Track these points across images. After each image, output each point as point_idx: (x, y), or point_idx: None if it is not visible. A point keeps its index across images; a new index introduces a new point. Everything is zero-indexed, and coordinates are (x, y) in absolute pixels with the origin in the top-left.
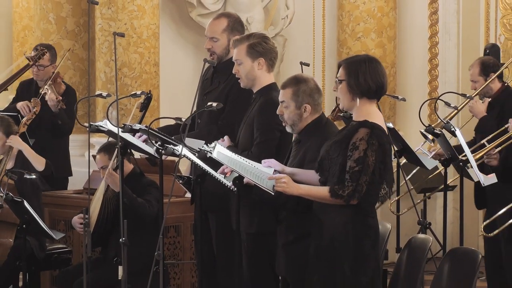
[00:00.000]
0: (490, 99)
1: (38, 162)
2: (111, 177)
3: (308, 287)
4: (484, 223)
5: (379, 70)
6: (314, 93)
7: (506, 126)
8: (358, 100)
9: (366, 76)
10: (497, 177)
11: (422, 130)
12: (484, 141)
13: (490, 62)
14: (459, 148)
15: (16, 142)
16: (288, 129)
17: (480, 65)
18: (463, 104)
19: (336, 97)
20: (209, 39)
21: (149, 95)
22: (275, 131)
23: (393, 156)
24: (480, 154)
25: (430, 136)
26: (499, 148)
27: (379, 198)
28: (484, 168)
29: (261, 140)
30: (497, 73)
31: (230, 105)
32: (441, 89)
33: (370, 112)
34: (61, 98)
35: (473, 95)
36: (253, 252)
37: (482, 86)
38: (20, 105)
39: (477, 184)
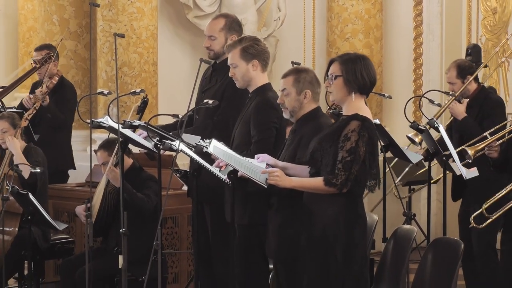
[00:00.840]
0: (468, 99)
1: (25, 170)
2: (112, 173)
3: (300, 277)
4: (473, 215)
5: (372, 67)
6: (314, 82)
7: (507, 121)
8: (353, 94)
9: (363, 72)
10: (497, 168)
11: (409, 135)
12: (486, 133)
13: (466, 65)
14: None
15: (12, 145)
16: (287, 116)
17: (457, 68)
18: (448, 103)
19: (326, 93)
20: (207, 37)
21: (145, 99)
22: (272, 129)
23: (379, 151)
24: (482, 146)
25: (417, 140)
26: (501, 141)
27: (368, 188)
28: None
29: (259, 138)
30: (474, 75)
31: (226, 102)
32: (425, 87)
33: (360, 107)
34: (46, 91)
35: (456, 95)
36: (246, 243)
37: (461, 88)
38: (24, 99)
39: (454, 177)
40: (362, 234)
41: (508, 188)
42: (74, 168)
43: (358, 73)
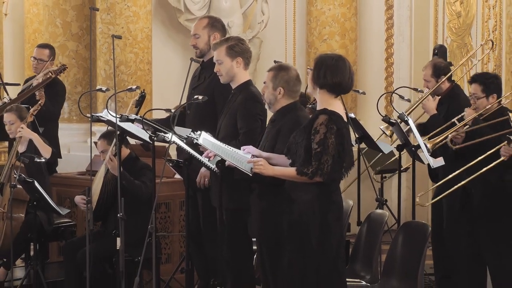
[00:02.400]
0: (440, 97)
1: (45, 151)
2: (111, 162)
3: (280, 259)
4: (432, 200)
5: (341, 69)
6: (291, 81)
7: (461, 114)
8: (318, 89)
9: (326, 72)
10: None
11: (381, 127)
12: (454, 119)
13: (441, 65)
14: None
15: (27, 132)
16: (267, 107)
17: (433, 67)
18: (421, 100)
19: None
20: (193, 36)
21: (143, 93)
22: (258, 121)
23: (354, 142)
24: (440, 139)
25: (388, 132)
26: (467, 128)
27: (339, 176)
28: (433, 152)
29: (247, 129)
30: (447, 75)
31: (219, 98)
32: (396, 84)
33: (330, 103)
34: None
35: (426, 94)
36: (232, 226)
37: (434, 87)
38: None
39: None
40: (336, 219)
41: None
42: (61, 157)
43: (322, 72)
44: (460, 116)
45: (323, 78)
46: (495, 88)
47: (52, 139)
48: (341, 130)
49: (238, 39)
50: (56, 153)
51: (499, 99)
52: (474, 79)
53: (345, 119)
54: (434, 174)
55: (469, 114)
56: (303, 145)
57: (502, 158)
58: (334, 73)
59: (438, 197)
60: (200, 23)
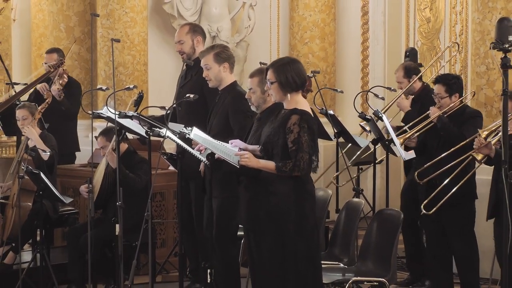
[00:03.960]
0: (413, 96)
1: (44, 153)
2: (110, 155)
3: (263, 244)
4: (423, 203)
5: (300, 68)
6: None
7: (427, 113)
8: (289, 95)
9: (293, 75)
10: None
11: (361, 124)
12: (406, 127)
13: (411, 67)
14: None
15: (30, 133)
16: (253, 108)
17: (404, 69)
18: (396, 98)
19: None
20: (177, 43)
21: (141, 94)
22: (249, 117)
23: (333, 137)
24: (403, 138)
25: (367, 128)
26: (418, 133)
27: (312, 169)
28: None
29: (240, 126)
30: (418, 75)
31: (210, 95)
32: (371, 83)
33: (298, 101)
34: (62, 88)
35: (400, 93)
36: (221, 213)
37: (407, 87)
38: (39, 86)
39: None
40: (311, 207)
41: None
42: (79, 151)
43: (289, 77)
44: (425, 114)
45: (293, 82)
46: (457, 88)
47: (70, 134)
48: (312, 128)
49: (223, 46)
50: (54, 156)
51: (461, 98)
52: (437, 80)
53: (312, 115)
54: (409, 166)
55: (434, 112)
56: (279, 144)
57: (473, 151)
58: (298, 73)
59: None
60: (182, 30)
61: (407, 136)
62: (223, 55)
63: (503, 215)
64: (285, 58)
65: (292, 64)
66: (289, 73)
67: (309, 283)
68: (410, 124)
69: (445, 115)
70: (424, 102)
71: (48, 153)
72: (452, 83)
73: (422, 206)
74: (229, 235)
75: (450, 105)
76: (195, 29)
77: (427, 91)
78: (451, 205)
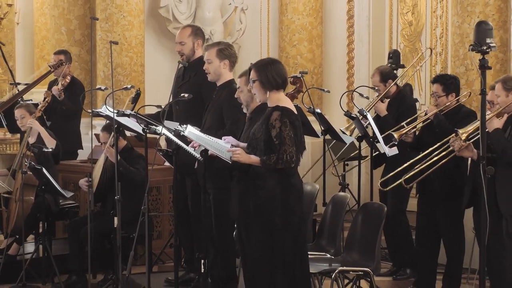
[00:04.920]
0: (389, 99)
1: (50, 142)
2: (109, 151)
3: (252, 236)
4: (380, 180)
5: (280, 68)
6: None
7: (425, 110)
8: (268, 93)
9: (273, 74)
10: (412, 149)
11: (342, 129)
12: (403, 123)
13: (387, 71)
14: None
15: (36, 125)
16: (244, 110)
17: (380, 75)
18: (374, 103)
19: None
20: (178, 43)
21: (138, 92)
22: (242, 112)
23: (320, 134)
24: (405, 131)
25: (347, 132)
26: (415, 129)
27: (296, 162)
28: (387, 143)
29: (233, 120)
30: (395, 80)
31: (207, 94)
32: (356, 83)
33: (279, 99)
34: (62, 88)
35: (378, 98)
36: (215, 206)
37: (385, 91)
38: (52, 88)
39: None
40: (297, 200)
41: (412, 161)
42: (82, 148)
43: (270, 76)
44: (424, 111)
45: (274, 80)
46: (454, 88)
47: (73, 133)
48: (293, 122)
49: (228, 44)
50: (60, 145)
51: (457, 98)
52: (435, 80)
53: (295, 111)
54: (378, 162)
55: (431, 110)
56: (262, 139)
57: (451, 148)
58: (278, 73)
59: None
60: (185, 31)
61: (403, 131)
62: (225, 52)
63: (481, 209)
64: (266, 58)
65: (273, 64)
66: (269, 72)
67: (296, 273)
68: (408, 120)
69: (442, 113)
70: (401, 105)
71: (50, 149)
72: (449, 83)
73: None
74: (227, 223)
75: (447, 104)
76: (197, 33)
77: (402, 94)
78: (445, 198)
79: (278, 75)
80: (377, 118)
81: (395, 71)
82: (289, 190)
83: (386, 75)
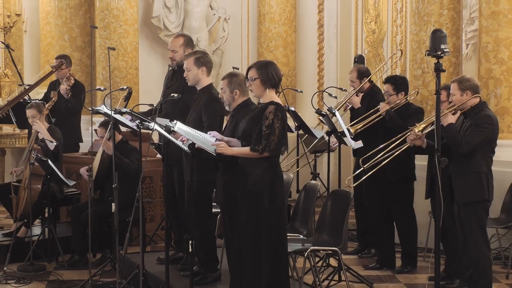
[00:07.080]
0: (363, 93)
1: (51, 144)
2: (106, 144)
3: (239, 219)
4: (361, 158)
5: (277, 69)
6: (242, 83)
7: (377, 107)
8: (267, 90)
9: (273, 73)
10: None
11: (321, 118)
12: (371, 111)
13: (364, 70)
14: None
15: (39, 127)
16: (227, 108)
17: (357, 72)
18: (349, 96)
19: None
20: (171, 51)
21: (130, 91)
22: (218, 116)
23: (294, 129)
24: (360, 126)
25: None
26: (369, 124)
27: (281, 152)
28: (355, 138)
29: (209, 123)
30: (369, 77)
31: (187, 95)
32: (326, 84)
33: (272, 97)
34: (69, 88)
35: (353, 92)
36: (199, 194)
37: (359, 87)
38: (60, 89)
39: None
40: (280, 187)
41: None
42: (82, 142)
43: (270, 74)
44: (376, 108)
45: (273, 78)
46: (403, 87)
47: (75, 128)
48: (284, 118)
49: (204, 52)
50: (59, 146)
51: (406, 96)
52: (387, 80)
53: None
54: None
55: (383, 107)
56: (255, 130)
57: (408, 144)
58: (276, 71)
59: (358, 181)
60: (178, 41)
61: (358, 127)
62: (202, 59)
63: (436, 195)
64: (263, 60)
65: (271, 65)
66: (269, 71)
67: (278, 251)
68: (362, 117)
69: (392, 110)
70: (371, 100)
71: (54, 144)
72: (399, 83)
73: (360, 161)
74: (206, 211)
75: (397, 101)
76: (188, 43)
77: (375, 90)
78: (394, 184)
79: (276, 74)
80: (352, 109)
81: None
82: (275, 177)
83: (362, 73)
